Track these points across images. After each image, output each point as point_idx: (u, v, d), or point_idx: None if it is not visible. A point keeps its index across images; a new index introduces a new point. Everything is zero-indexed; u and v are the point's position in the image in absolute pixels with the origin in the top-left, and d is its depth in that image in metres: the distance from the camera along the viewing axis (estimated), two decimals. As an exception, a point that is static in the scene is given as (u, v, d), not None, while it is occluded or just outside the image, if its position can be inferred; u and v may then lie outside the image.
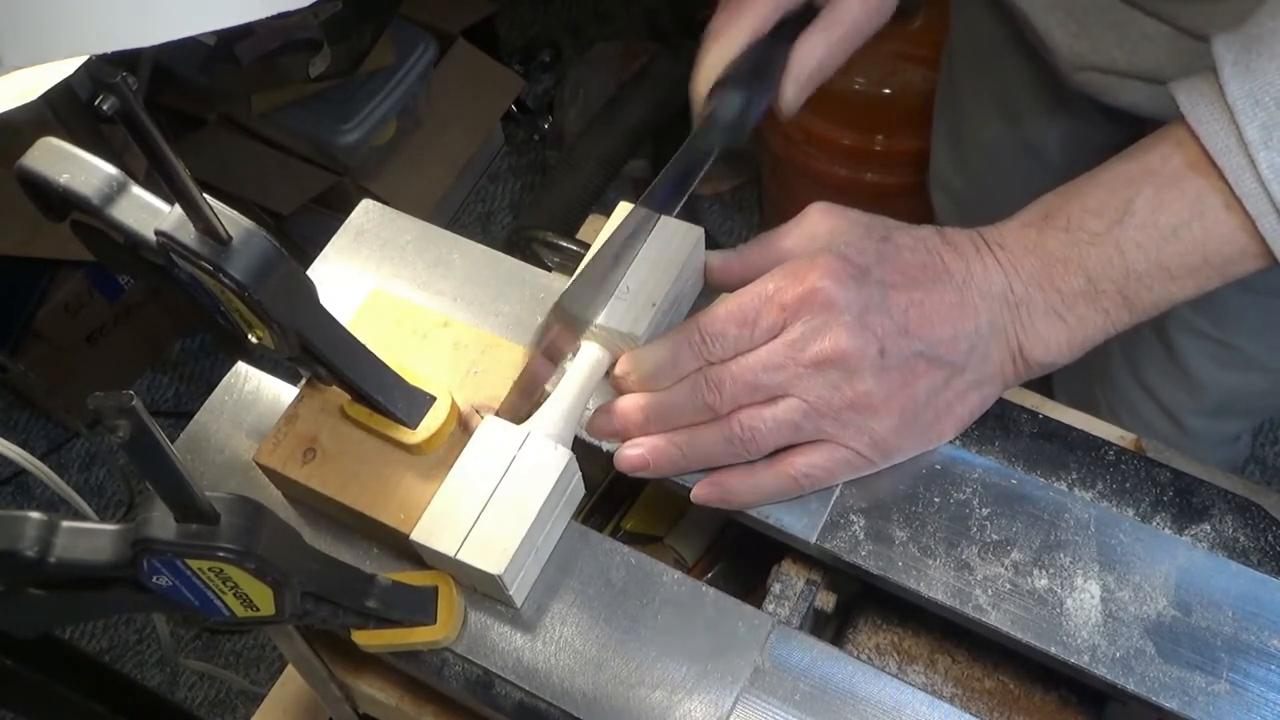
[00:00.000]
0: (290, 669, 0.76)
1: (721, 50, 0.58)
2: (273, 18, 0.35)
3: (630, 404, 0.54)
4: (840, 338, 0.49)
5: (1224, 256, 0.49)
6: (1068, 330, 0.52)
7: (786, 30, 0.58)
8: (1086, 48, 0.78)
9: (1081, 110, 0.87)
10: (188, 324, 2.00)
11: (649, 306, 0.54)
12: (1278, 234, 0.47)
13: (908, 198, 1.59)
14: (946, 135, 1.11)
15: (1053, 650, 0.49)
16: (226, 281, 0.45)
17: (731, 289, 0.59)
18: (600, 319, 0.54)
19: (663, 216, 0.57)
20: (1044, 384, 1.00)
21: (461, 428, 0.55)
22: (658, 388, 0.53)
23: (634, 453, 0.53)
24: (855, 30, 0.59)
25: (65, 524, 0.44)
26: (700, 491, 0.53)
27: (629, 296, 0.55)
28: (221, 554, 0.42)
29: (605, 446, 0.55)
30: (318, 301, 0.50)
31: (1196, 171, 0.48)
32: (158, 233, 0.46)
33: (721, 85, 0.57)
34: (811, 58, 0.59)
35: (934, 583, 0.51)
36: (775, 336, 0.51)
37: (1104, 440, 0.54)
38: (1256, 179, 0.46)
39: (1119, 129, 0.90)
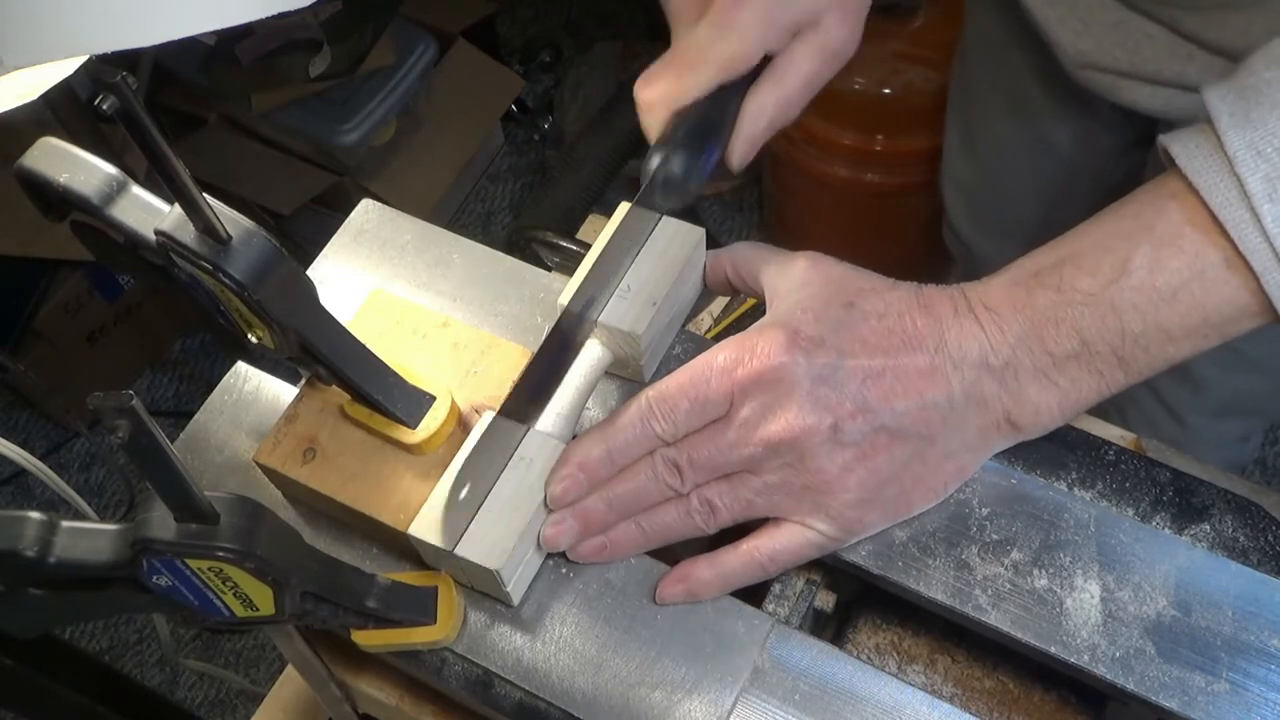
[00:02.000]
0: (290, 669, 0.76)
1: (664, 112, 0.55)
2: (273, 18, 0.35)
3: (593, 503, 0.51)
4: (790, 417, 0.48)
5: (1224, 316, 0.47)
6: (1059, 394, 0.49)
7: (736, 83, 0.55)
8: (1089, 46, 0.78)
9: (1091, 106, 0.87)
10: (188, 324, 2.00)
11: (649, 306, 0.54)
12: None
13: (908, 197, 1.60)
14: (959, 130, 1.11)
15: (1053, 650, 0.49)
16: (226, 281, 0.45)
17: (719, 289, 0.59)
18: (601, 317, 0.54)
19: (664, 216, 0.57)
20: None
21: (461, 428, 0.55)
22: (610, 468, 0.51)
23: (595, 542, 0.52)
24: (808, 84, 0.57)
25: (65, 524, 0.44)
26: (666, 591, 0.52)
27: (630, 296, 0.55)
28: (221, 554, 0.42)
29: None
30: (317, 301, 0.50)
31: (1194, 227, 0.46)
32: (157, 232, 0.46)
33: (664, 144, 0.54)
34: (761, 116, 0.56)
35: (934, 582, 0.51)
36: (727, 412, 0.50)
37: (1104, 440, 0.54)
38: (1261, 233, 0.44)
39: (1129, 125, 0.90)
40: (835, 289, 0.51)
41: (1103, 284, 0.47)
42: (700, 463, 0.50)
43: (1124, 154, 0.95)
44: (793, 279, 0.53)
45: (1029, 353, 0.48)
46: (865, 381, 0.49)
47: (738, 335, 0.51)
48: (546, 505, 0.52)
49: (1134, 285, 0.47)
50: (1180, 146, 0.46)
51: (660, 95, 0.55)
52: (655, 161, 0.54)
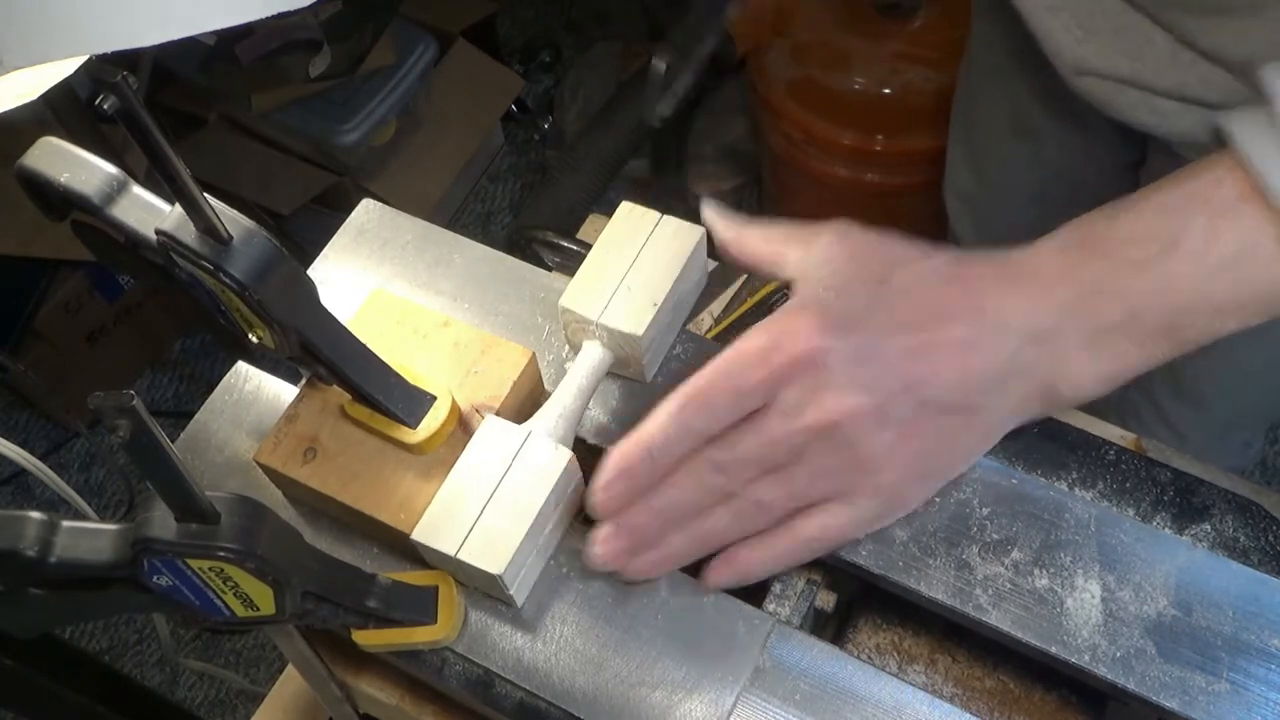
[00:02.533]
0: (290, 669, 0.76)
1: None
2: (273, 18, 0.35)
3: (642, 516, 0.50)
4: (832, 401, 0.48)
5: (1274, 294, 0.46)
6: (1101, 364, 0.48)
7: None
8: (1089, 52, 0.78)
9: (1092, 125, 0.87)
10: (188, 324, 2.00)
11: (650, 306, 0.54)
12: None
13: (909, 197, 1.59)
14: (962, 144, 1.11)
15: (1053, 650, 0.49)
16: (227, 281, 0.45)
17: (735, 264, 0.58)
18: (601, 318, 0.54)
19: (664, 216, 0.57)
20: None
21: (462, 428, 0.55)
22: (653, 471, 0.50)
23: (649, 558, 0.51)
24: None
25: (65, 524, 0.44)
26: (715, 575, 0.51)
27: (630, 295, 0.55)
28: (222, 554, 0.42)
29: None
30: (318, 301, 0.50)
31: (1250, 203, 0.45)
32: (158, 232, 0.46)
33: None
34: None
35: (934, 582, 0.51)
36: (766, 402, 0.49)
37: (1104, 440, 0.54)
38: None
39: (1127, 146, 0.90)
40: (862, 264, 0.50)
41: (1154, 254, 0.46)
42: (747, 459, 0.49)
43: (1124, 172, 0.95)
44: (819, 255, 0.52)
45: (1075, 319, 0.48)
46: (904, 358, 0.48)
47: (766, 320, 0.50)
48: (591, 514, 0.50)
49: (1185, 255, 0.46)
50: (1239, 125, 0.45)
51: None
52: None
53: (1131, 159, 0.93)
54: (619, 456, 0.50)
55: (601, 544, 0.50)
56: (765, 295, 0.73)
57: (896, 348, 0.48)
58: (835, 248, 0.51)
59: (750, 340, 0.49)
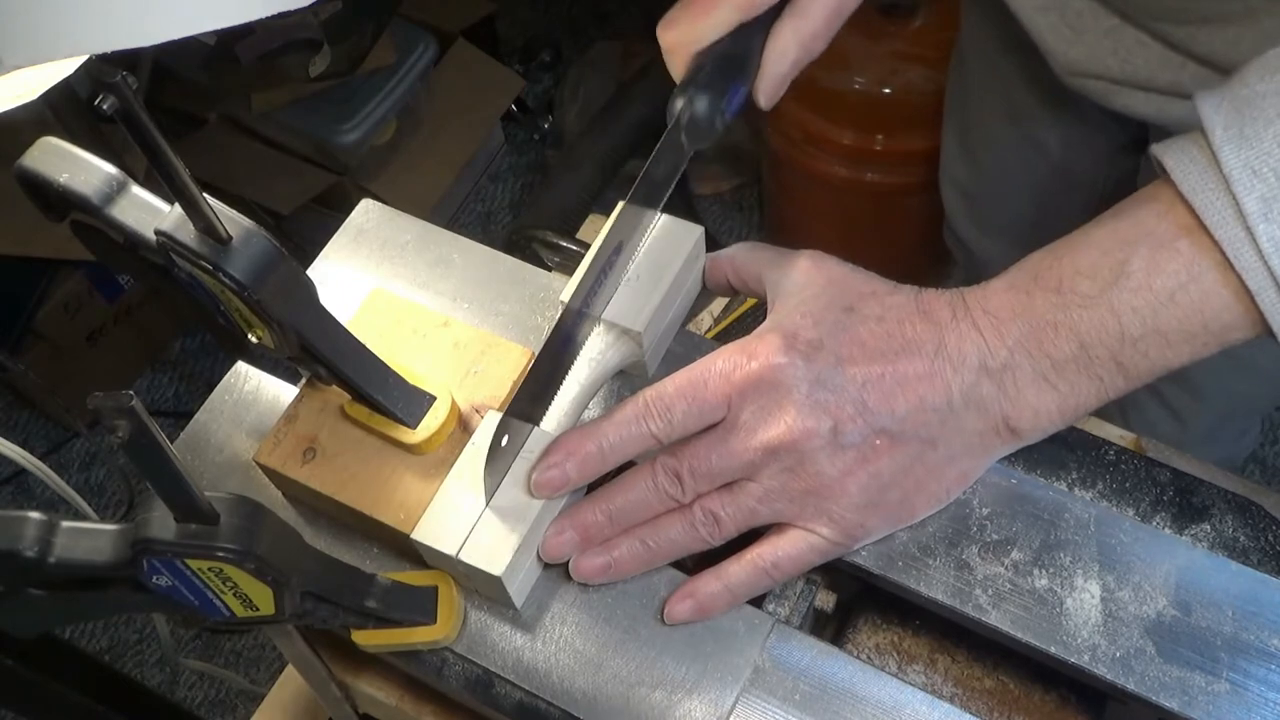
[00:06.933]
0: (290, 669, 0.76)
1: (685, 54, 0.54)
2: (273, 17, 0.35)
3: (591, 511, 0.51)
4: (789, 420, 0.48)
5: (1222, 323, 0.46)
6: (1059, 397, 0.49)
7: (759, 20, 0.54)
8: (1081, 54, 0.78)
9: (1082, 111, 0.87)
10: (188, 324, 2.00)
11: (649, 303, 0.54)
12: (1278, 309, 0.45)
13: (908, 197, 1.59)
14: (956, 132, 1.12)
15: (1053, 650, 0.49)
16: (226, 281, 0.45)
17: (719, 290, 0.59)
18: (603, 315, 0.54)
19: (663, 216, 0.57)
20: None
21: (461, 428, 0.55)
22: (601, 463, 0.51)
23: (598, 560, 0.51)
24: (832, 16, 0.55)
25: (65, 524, 0.44)
26: (675, 610, 0.51)
27: (629, 293, 0.55)
28: (221, 554, 0.42)
29: None
30: (317, 301, 0.50)
31: (1189, 235, 0.45)
32: (157, 232, 0.46)
33: (687, 85, 0.53)
34: (785, 55, 0.55)
35: (934, 582, 0.51)
36: (725, 417, 0.50)
37: (1104, 440, 0.54)
38: (1256, 252, 0.43)
39: (1121, 130, 0.90)
40: (835, 292, 0.51)
41: (1102, 286, 0.47)
42: (700, 470, 0.50)
43: (1116, 157, 0.95)
44: (794, 281, 0.53)
45: (1028, 355, 0.48)
46: (864, 385, 0.49)
47: (737, 341, 0.51)
48: (530, 491, 0.51)
49: (1133, 287, 0.46)
50: (1174, 159, 0.46)
51: (680, 37, 0.54)
52: (679, 104, 0.53)
53: (1124, 142, 0.93)
54: (570, 440, 0.51)
55: (553, 537, 0.51)
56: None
57: (857, 375, 0.49)
58: (810, 274, 0.53)
59: (717, 357, 0.51)
